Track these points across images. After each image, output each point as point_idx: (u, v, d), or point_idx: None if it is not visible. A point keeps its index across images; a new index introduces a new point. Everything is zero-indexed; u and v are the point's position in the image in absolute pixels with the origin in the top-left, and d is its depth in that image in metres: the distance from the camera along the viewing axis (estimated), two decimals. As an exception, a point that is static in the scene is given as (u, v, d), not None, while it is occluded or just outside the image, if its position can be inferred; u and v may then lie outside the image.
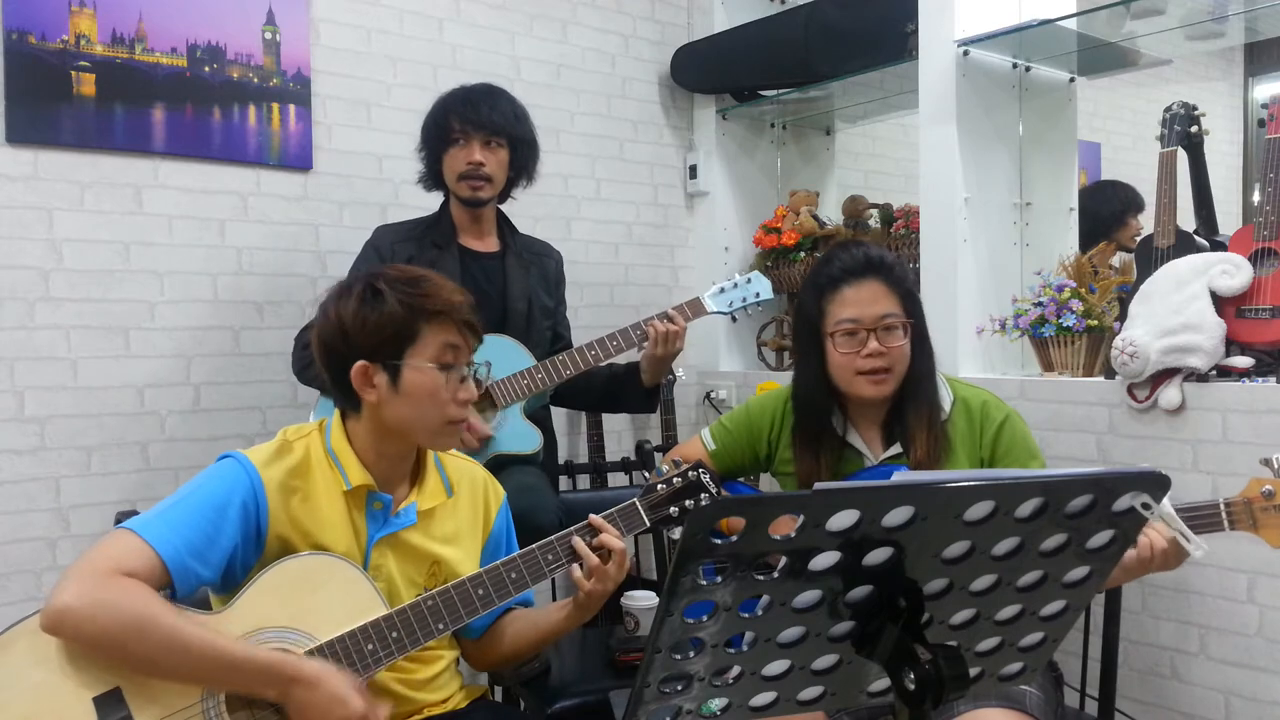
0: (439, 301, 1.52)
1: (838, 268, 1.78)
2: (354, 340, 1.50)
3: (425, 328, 1.51)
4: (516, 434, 2.21)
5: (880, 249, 1.82)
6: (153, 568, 1.37)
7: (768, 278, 2.42)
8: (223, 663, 1.36)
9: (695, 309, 2.31)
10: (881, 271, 1.76)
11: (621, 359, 2.32)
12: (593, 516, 1.60)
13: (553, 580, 1.79)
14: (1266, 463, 1.53)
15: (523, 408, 2.22)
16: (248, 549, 1.47)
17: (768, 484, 2.12)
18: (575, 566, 1.59)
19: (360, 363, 1.50)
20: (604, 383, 2.37)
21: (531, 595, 1.69)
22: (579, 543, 1.58)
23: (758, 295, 2.37)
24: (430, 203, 2.45)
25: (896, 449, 1.80)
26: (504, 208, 2.45)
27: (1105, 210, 3.17)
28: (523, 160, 2.35)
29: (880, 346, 1.73)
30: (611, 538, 1.58)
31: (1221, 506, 1.55)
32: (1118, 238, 3.14)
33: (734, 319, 2.45)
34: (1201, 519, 1.55)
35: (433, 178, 2.35)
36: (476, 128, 2.25)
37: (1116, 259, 2.63)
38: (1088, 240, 2.91)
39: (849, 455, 1.83)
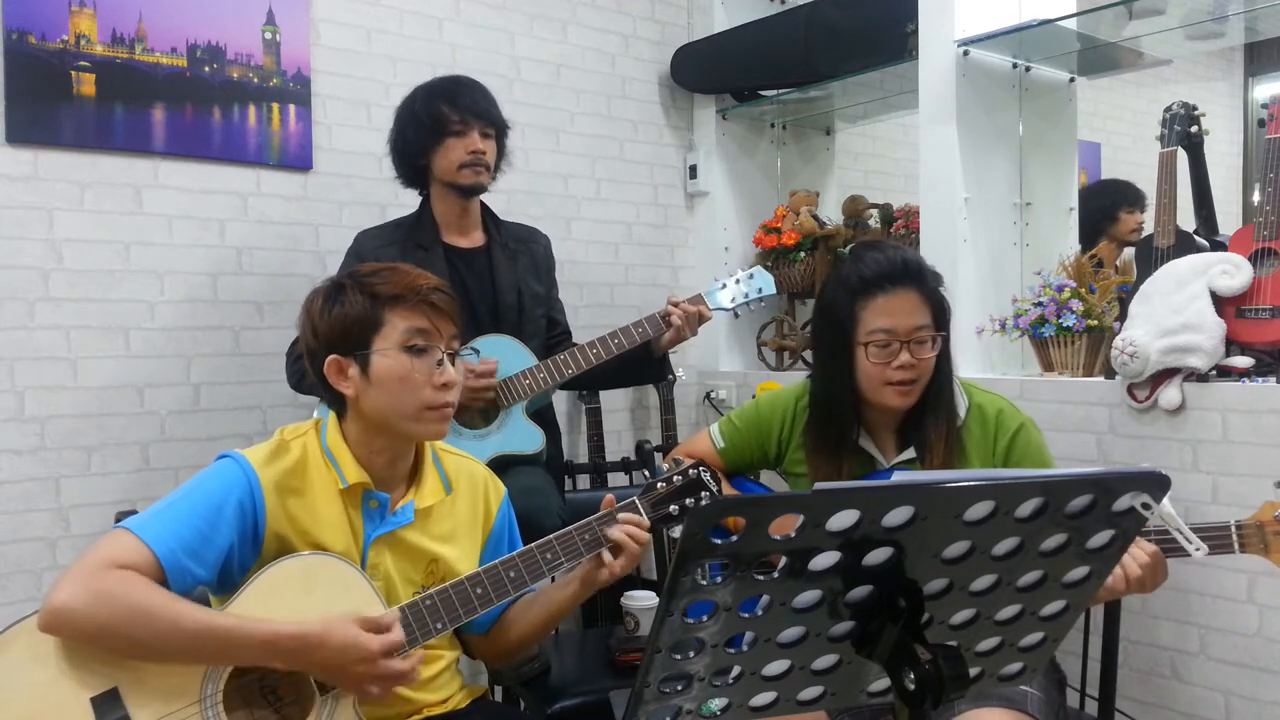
0: (400, 286, 1.52)
1: (872, 271, 1.71)
2: (324, 337, 1.52)
3: (388, 314, 1.52)
4: (519, 434, 2.20)
5: (915, 254, 1.78)
6: (147, 566, 1.37)
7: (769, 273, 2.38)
8: (227, 640, 1.37)
9: (698, 305, 2.29)
10: (918, 280, 1.72)
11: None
12: (622, 516, 1.59)
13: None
14: None
15: (525, 407, 2.22)
16: (245, 548, 1.47)
17: (776, 482, 2.12)
18: (612, 555, 1.57)
19: (331, 357, 1.51)
20: (614, 363, 2.28)
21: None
22: (615, 532, 1.56)
23: (760, 291, 2.34)
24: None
25: (910, 454, 1.77)
26: (499, 203, 2.44)
27: (1093, 207, 3.16)
28: (503, 150, 2.35)
29: (911, 359, 1.69)
30: (637, 530, 1.57)
31: (1233, 528, 1.53)
32: (1113, 234, 3.13)
33: (736, 315, 2.42)
34: (1212, 540, 1.54)
35: (413, 174, 2.32)
36: (475, 116, 2.25)
37: (1121, 256, 2.62)
38: (1086, 242, 2.91)
39: (860, 459, 1.81)
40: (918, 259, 1.76)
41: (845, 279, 1.75)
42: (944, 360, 1.76)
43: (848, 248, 3.08)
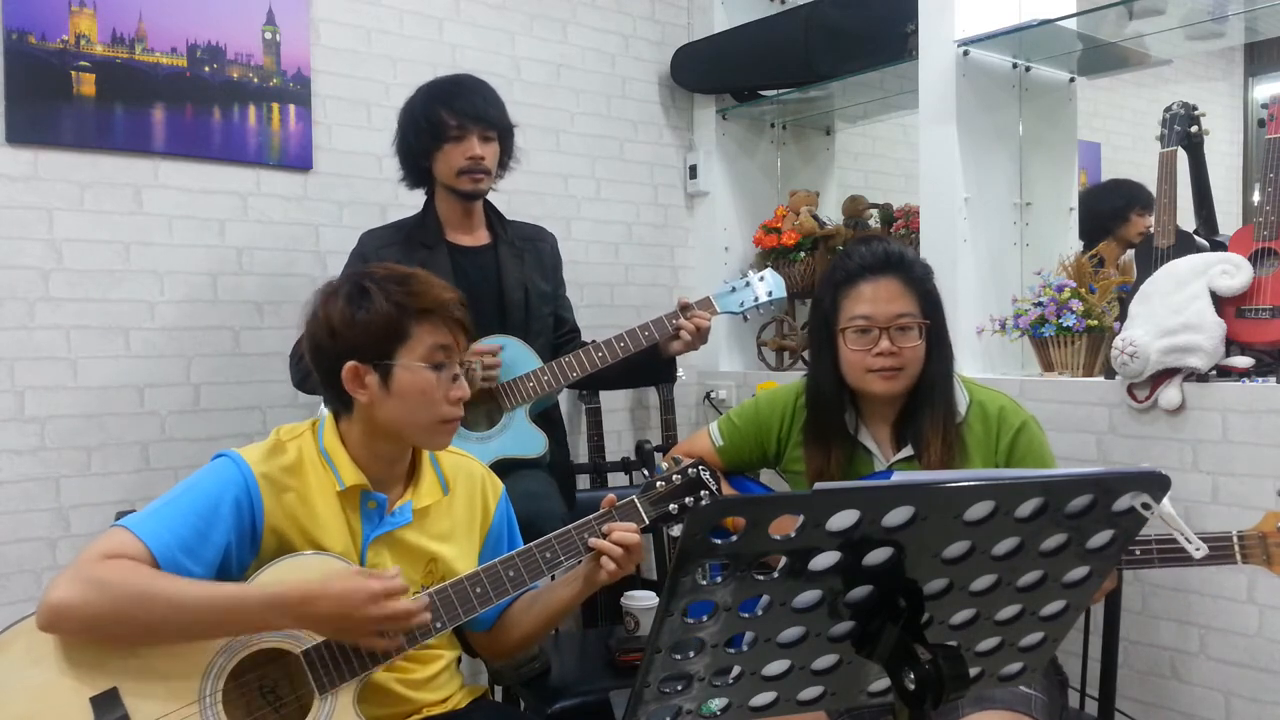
0: (428, 300, 1.51)
1: (856, 263, 1.75)
2: (343, 340, 1.50)
3: (415, 327, 1.50)
4: (522, 437, 2.19)
5: (902, 246, 1.79)
6: (143, 562, 1.37)
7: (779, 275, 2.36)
8: (231, 607, 1.38)
9: (706, 309, 2.27)
10: (901, 269, 1.74)
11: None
12: (607, 525, 1.58)
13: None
14: None
15: (528, 410, 2.21)
16: (242, 547, 1.47)
17: (775, 481, 2.12)
18: (606, 562, 1.57)
19: (351, 363, 1.50)
20: (621, 364, 2.27)
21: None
22: (600, 543, 1.56)
23: (770, 294, 2.31)
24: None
25: (908, 451, 1.77)
26: (500, 203, 2.43)
27: (1104, 207, 3.15)
28: (508, 149, 2.33)
29: (892, 346, 1.70)
30: (626, 535, 1.57)
31: (1235, 539, 1.53)
32: (1120, 235, 3.12)
33: (745, 318, 2.40)
34: (1214, 550, 1.54)
35: (418, 175, 2.31)
36: (474, 121, 2.22)
37: (1123, 257, 2.61)
38: (1089, 239, 2.90)
39: (860, 454, 1.81)
40: (901, 250, 1.77)
41: (832, 272, 1.79)
42: (938, 353, 1.76)
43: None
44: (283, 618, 1.40)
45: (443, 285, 1.55)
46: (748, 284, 2.32)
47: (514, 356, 2.19)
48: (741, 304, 2.31)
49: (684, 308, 2.24)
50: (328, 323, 1.51)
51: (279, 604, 1.39)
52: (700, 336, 2.25)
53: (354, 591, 1.40)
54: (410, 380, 1.50)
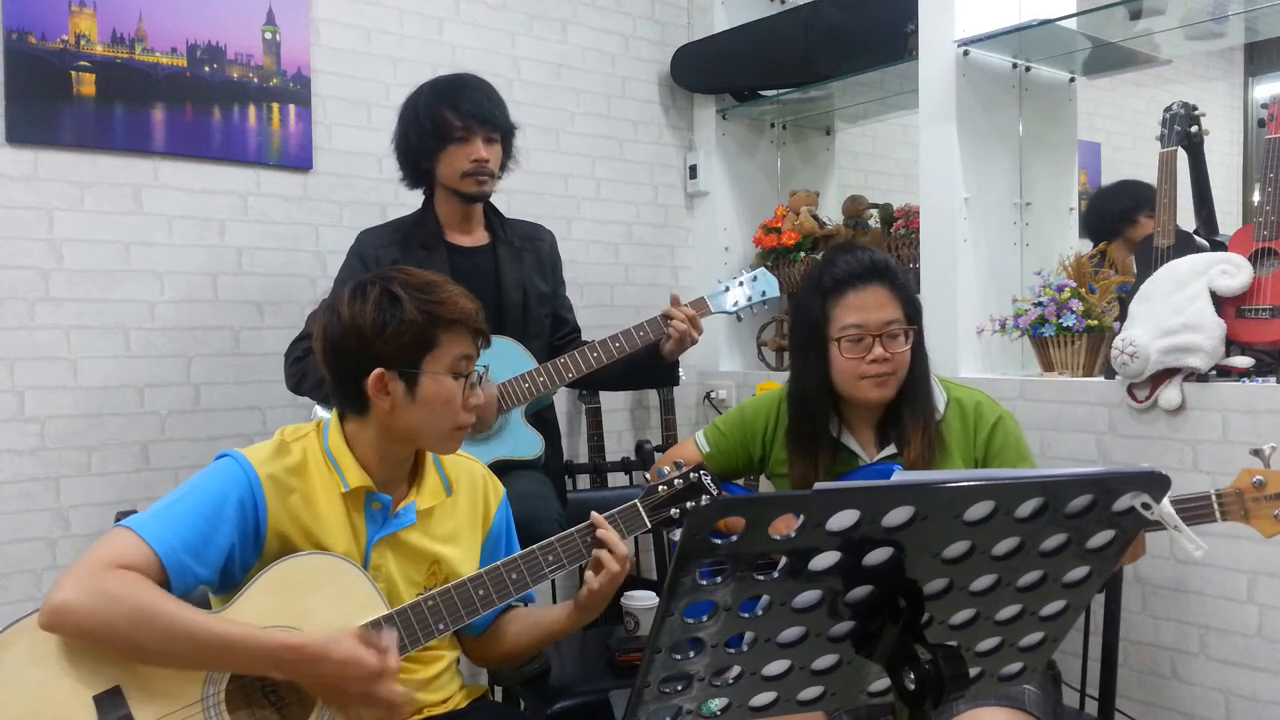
0: (456, 310, 1.52)
1: (842, 271, 1.78)
2: (372, 346, 1.49)
3: (443, 336, 1.51)
4: (518, 439, 2.19)
5: (883, 253, 1.83)
6: (149, 565, 1.37)
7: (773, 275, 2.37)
8: (227, 646, 1.36)
9: (700, 309, 2.28)
10: (886, 277, 1.77)
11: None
12: (595, 515, 1.60)
13: (552, 581, 1.79)
14: (1257, 453, 1.55)
15: (524, 411, 2.21)
16: (246, 548, 1.47)
17: (763, 486, 2.12)
18: (588, 573, 1.58)
19: (378, 370, 1.49)
20: (623, 367, 2.28)
21: (533, 592, 1.68)
22: (601, 530, 1.57)
23: (764, 294, 2.33)
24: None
25: (891, 449, 1.80)
26: (499, 203, 2.43)
27: (1114, 207, 3.13)
28: (509, 150, 2.32)
29: (885, 352, 1.74)
30: (613, 536, 1.58)
31: (1213, 497, 1.56)
32: (1128, 236, 3.11)
33: (739, 318, 2.41)
34: (1194, 510, 1.56)
35: (417, 175, 2.29)
36: (479, 123, 2.20)
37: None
38: (1099, 239, 2.89)
39: (843, 456, 1.84)
40: (885, 258, 1.81)
41: (817, 281, 1.81)
42: (919, 355, 1.81)
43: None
44: (274, 668, 1.38)
45: (464, 293, 1.55)
46: (741, 283, 2.34)
47: (509, 357, 2.19)
48: (735, 304, 2.32)
49: (673, 304, 2.24)
50: (355, 327, 1.49)
51: (272, 655, 1.37)
52: (690, 334, 2.23)
53: (353, 664, 1.38)
54: (435, 389, 1.51)
